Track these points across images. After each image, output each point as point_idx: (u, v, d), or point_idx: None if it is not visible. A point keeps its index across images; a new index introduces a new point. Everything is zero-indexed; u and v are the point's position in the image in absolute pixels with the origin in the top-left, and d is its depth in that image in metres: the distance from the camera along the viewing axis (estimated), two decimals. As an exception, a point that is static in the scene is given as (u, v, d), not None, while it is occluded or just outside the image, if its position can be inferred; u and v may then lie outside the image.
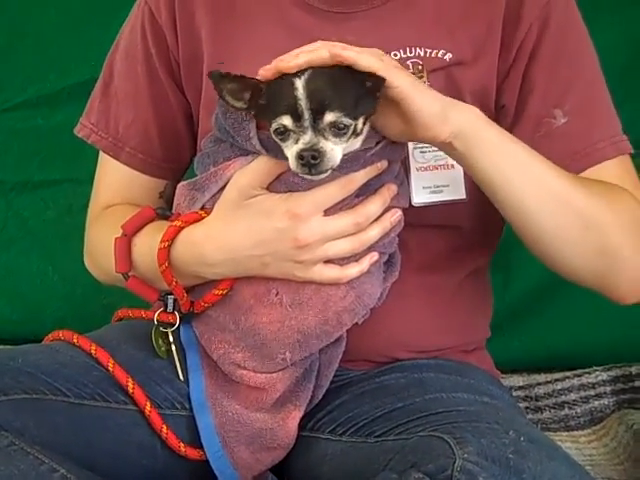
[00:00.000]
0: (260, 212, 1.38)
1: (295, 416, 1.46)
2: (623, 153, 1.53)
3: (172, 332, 1.49)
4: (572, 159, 1.49)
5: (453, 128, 1.33)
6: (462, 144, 1.35)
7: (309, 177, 1.31)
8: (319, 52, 1.29)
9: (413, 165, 1.49)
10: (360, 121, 1.30)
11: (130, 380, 1.44)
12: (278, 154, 1.34)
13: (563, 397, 2.21)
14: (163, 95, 1.64)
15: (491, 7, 1.52)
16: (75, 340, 1.49)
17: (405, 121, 1.33)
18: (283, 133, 1.29)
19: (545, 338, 2.32)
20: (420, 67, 1.50)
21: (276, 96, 1.30)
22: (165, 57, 1.62)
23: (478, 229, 1.60)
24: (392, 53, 1.51)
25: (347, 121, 1.28)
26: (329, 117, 1.27)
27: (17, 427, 1.30)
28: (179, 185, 1.51)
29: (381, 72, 1.27)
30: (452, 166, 1.49)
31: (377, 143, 1.37)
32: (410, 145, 1.48)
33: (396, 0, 1.55)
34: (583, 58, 1.56)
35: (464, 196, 1.50)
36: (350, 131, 1.29)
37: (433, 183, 1.50)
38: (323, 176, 1.31)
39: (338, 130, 1.28)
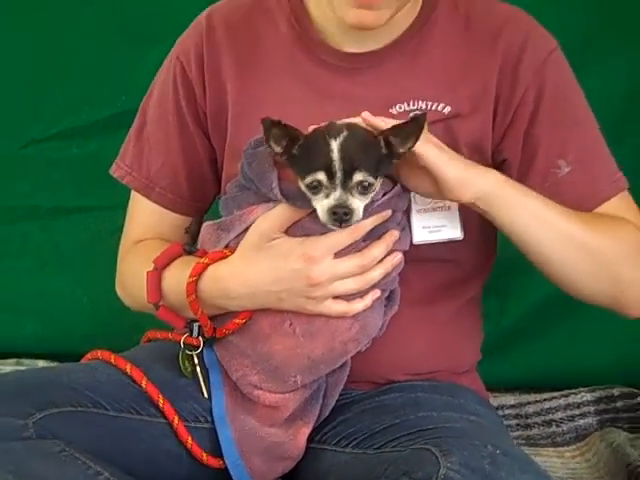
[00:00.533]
0: (279, 254, 1.50)
1: (304, 432, 1.57)
2: (622, 190, 1.66)
3: (197, 355, 1.60)
4: (580, 203, 1.60)
5: (476, 190, 1.49)
6: (484, 204, 1.51)
7: (336, 228, 1.44)
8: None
9: (414, 207, 1.58)
10: (379, 180, 1.44)
11: (161, 396, 1.55)
12: (297, 202, 1.46)
13: (551, 415, 2.28)
14: (191, 142, 1.74)
15: (487, 66, 1.62)
16: (112, 360, 1.61)
17: (434, 184, 1.48)
18: (316, 187, 1.40)
19: (536, 361, 2.41)
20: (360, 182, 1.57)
21: (313, 152, 1.41)
22: (194, 109, 1.72)
23: (472, 263, 1.70)
24: (397, 105, 1.63)
25: (371, 180, 1.41)
26: (358, 177, 1.40)
27: (66, 436, 1.43)
28: (205, 224, 1.62)
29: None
30: (449, 207, 1.59)
31: (383, 195, 1.48)
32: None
33: (403, 56, 1.64)
34: (579, 110, 1.66)
35: (460, 235, 1.60)
36: (372, 189, 1.42)
37: (432, 223, 1.59)
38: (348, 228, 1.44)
39: (363, 189, 1.41)
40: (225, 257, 1.55)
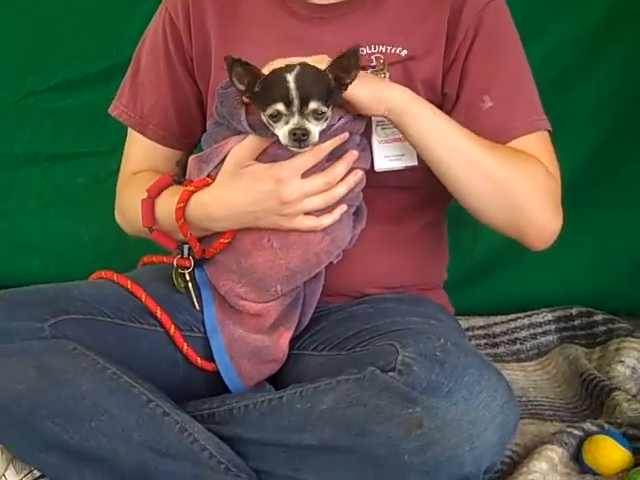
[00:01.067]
0: (252, 178, 1.63)
1: (286, 336, 1.71)
2: (539, 129, 1.76)
3: (188, 273, 1.74)
4: (494, 136, 1.70)
5: (385, 105, 1.61)
6: (395, 117, 1.63)
7: (296, 150, 1.56)
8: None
9: (375, 139, 1.71)
10: (330, 109, 1.58)
11: (158, 308, 1.70)
12: (262, 133, 1.58)
13: (516, 334, 2.41)
14: (180, 85, 1.88)
15: (439, 13, 1.76)
16: (115, 278, 1.75)
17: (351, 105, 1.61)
18: (276, 116, 1.54)
19: (504, 287, 2.56)
20: (382, 61, 1.74)
21: (272, 86, 1.54)
22: (181, 53, 1.86)
23: (429, 189, 1.80)
24: (360, 49, 1.69)
25: (324, 109, 1.55)
26: (312, 105, 1.54)
27: (77, 338, 1.59)
28: (190, 157, 1.74)
29: None
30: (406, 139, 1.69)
31: (339, 119, 1.61)
32: (373, 122, 1.70)
33: (364, 7, 1.78)
34: (510, 55, 1.79)
35: (416, 162, 1.72)
36: (325, 116, 1.56)
37: (392, 153, 1.72)
38: (307, 149, 1.57)
39: (318, 115, 1.55)
40: (208, 185, 1.68)
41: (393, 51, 1.76)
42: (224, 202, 1.66)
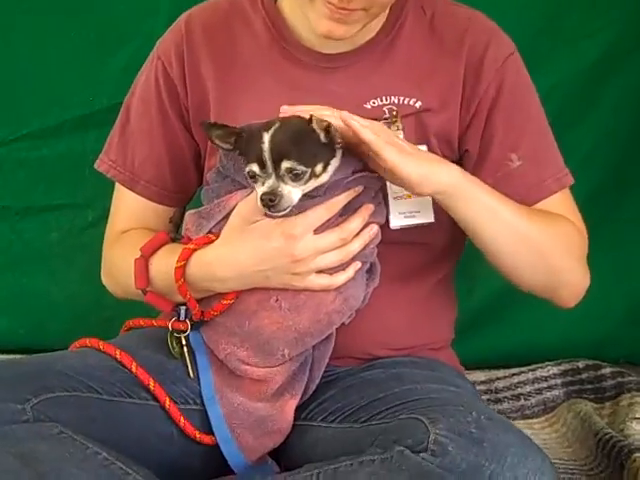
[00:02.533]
0: (261, 235, 1.54)
1: (292, 404, 1.61)
2: (566, 186, 1.76)
3: (184, 337, 1.64)
4: (526, 195, 1.70)
5: (435, 186, 1.56)
6: (442, 199, 1.59)
7: (272, 214, 1.50)
8: (331, 115, 1.50)
9: (391, 194, 1.65)
10: (319, 166, 1.51)
11: (151, 380, 1.58)
12: None
13: (520, 389, 2.34)
14: (174, 137, 1.79)
15: (453, 65, 1.71)
16: (100, 347, 1.63)
17: (398, 179, 1.55)
18: (254, 177, 1.49)
19: (504, 339, 2.48)
20: (395, 112, 1.69)
21: (249, 145, 1.50)
22: (176, 104, 1.77)
23: (443, 245, 1.76)
24: (371, 100, 1.70)
25: (301, 168, 1.48)
26: (286, 164, 1.47)
27: (63, 419, 1.46)
28: (187, 213, 1.66)
29: (373, 146, 1.48)
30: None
31: (352, 172, 1.55)
32: None
33: (374, 56, 1.71)
34: (532, 108, 1.76)
35: (432, 219, 1.67)
36: (307, 175, 1.49)
37: (408, 209, 1.67)
38: (281, 214, 1.50)
39: (295, 176, 1.48)
40: (210, 242, 1.59)
41: (406, 102, 1.70)
42: (230, 261, 1.57)
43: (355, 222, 1.57)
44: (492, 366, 2.42)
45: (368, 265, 1.63)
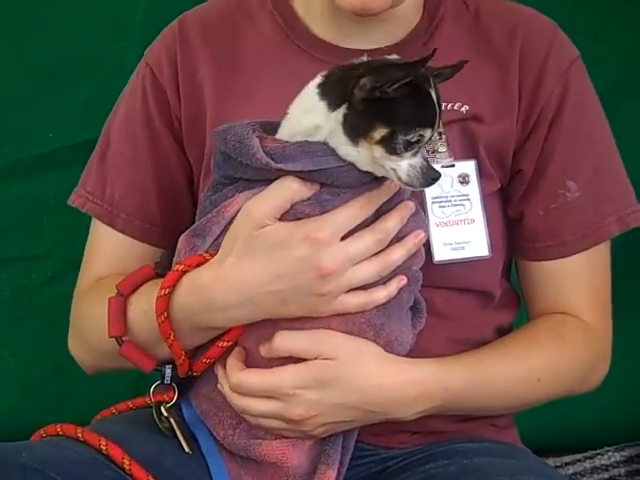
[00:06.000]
0: (276, 243, 1.30)
1: (330, 475, 1.36)
2: (628, 228, 1.57)
3: (171, 409, 1.42)
4: (582, 235, 1.53)
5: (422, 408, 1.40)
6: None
7: (420, 189, 1.31)
8: None
9: (432, 220, 1.47)
10: None
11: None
12: (288, 164, 1.28)
13: None
14: (164, 157, 1.60)
15: (504, 67, 1.54)
16: (80, 435, 1.36)
17: None
18: (412, 145, 1.25)
19: (553, 419, 2.21)
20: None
21: (416, 102, 1.25)
22: (166, 116, 1.59)
23: (499, 289, 1.56)
24: None
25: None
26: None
27: None
28: (180, 237, 1.42)
29: None
30: (473, 221, 1.49)
31: None
32: (428, 200, 1.47)
33: (406, 55, 1.49)
34: (599, 130, 1.59)
35: (487, 252, 1.48)
36: None
37: (454, 239, 1.48)
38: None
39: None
40: (205, 261, 1.36)
41: (450, 107, 1.51)
42: (234, 281, 1.33)
43: (392, 220, 1.34)
44: (539, 453, 2.01)
45: (412, 300, 1.41)
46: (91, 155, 1.69)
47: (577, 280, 1.55)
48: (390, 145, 1.25)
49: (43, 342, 1.81)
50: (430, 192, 1.47)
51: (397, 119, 1.24)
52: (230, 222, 1.34)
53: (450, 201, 1.48)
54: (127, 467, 1.32)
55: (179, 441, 1.39)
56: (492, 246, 1.49)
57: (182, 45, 1.60)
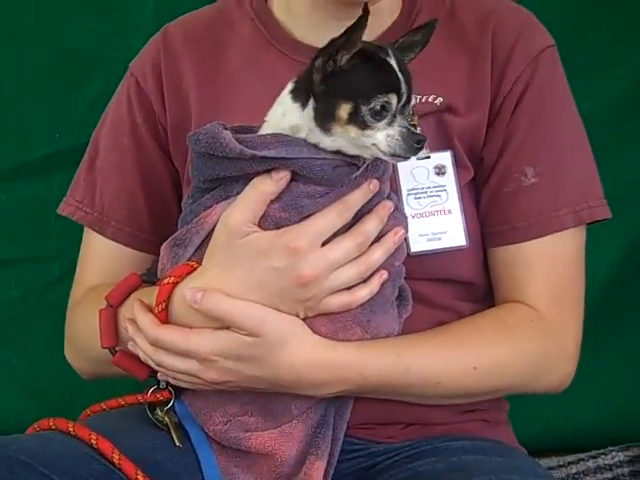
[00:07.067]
0: (256, 252, 1.32)
1: (319, 466, 1.39)
2: (582, 223, 1.54)
3: (167, 410, 1.44)
4: (534, 222, 1.50)
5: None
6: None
7: (404, 160, 1.29)
8: None
9: (408, 212, 1.47)
10: None
11: (140, 474, 1.34)
12: (262, 151, 1.29)
13: None
14: (150, 165, 1.64)
15: (477, 57, 1.54)
16: (71, 429, 1.39)
17: None
18: (380, 113, 1.26)
19: (556, 417, 2.23)
20: (411, 112, 1.49)
21: (374, 69, 1.26)
22: (152, 124, 1.63)
23: (483, 279, 1.55)
24: None
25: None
26: (413, 101, 1.30)
27: None
28: (163, 245, 1.45)
29: None
30: (449, 211, 1.49)
31: (363, 162, 1.34)
32: (404, 191, 1.48)
33: None
34: (564, 119, 1.57)
35: (464, 242, 1.49)
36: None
37: (430, 230, 1.49)
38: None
39: (409, 116, 1.31)
40: (193, 270, 1.38)
41: (424, 99, 1.53)
42: (223, 290, 1.33)
43: (372, 222, 1.35)
44: (542, 453, 2.15)
45: (397, 291, 1.41)
46: (79, 166, 1.72)
47: (532, 270, 1.51)
48: (358, 120, 1.26)
49: (50, 342, 1.81)
50: (405, 184, 1.47)
51: (356, 91, 1.26)
52: (210, 232, 1.36)
53: (426, 192, 1.48)
54: (116, 461, 1.35)
55: (170, 435, 1.42)
56: (470, 236, 1.49)
57: (166, 55, 1.63)
